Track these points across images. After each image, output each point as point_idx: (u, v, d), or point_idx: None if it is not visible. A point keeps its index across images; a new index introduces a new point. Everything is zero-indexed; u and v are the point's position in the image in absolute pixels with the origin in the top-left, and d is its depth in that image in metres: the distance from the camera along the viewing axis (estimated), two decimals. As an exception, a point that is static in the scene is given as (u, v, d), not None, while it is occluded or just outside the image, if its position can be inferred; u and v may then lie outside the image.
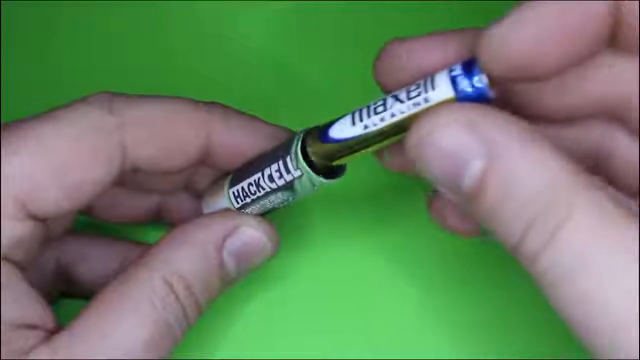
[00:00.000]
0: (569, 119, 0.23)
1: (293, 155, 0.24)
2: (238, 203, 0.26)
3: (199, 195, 0.28)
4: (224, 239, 0.25)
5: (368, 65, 0.24)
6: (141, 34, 0.35)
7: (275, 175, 0.25)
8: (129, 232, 0.30)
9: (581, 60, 0.21)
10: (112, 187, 0.25)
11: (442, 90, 0.21)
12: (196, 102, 0.26)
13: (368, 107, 0.22)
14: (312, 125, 0.25)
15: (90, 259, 0.28)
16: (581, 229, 0.19)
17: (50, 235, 0.26)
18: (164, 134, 0.25)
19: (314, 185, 0.24)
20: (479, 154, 0.20)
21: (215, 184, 0.27)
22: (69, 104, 0.25)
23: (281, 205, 0.26)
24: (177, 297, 0.24)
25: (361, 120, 0.22)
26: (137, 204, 0.29)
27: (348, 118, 0.23)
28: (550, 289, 0.19)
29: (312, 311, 0.30)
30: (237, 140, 0.26)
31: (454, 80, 0.21)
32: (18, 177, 0.23)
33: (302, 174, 0.24)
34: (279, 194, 0.25)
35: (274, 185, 0.25)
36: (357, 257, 0.31)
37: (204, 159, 0.26)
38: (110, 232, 0.30)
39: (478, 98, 0.21)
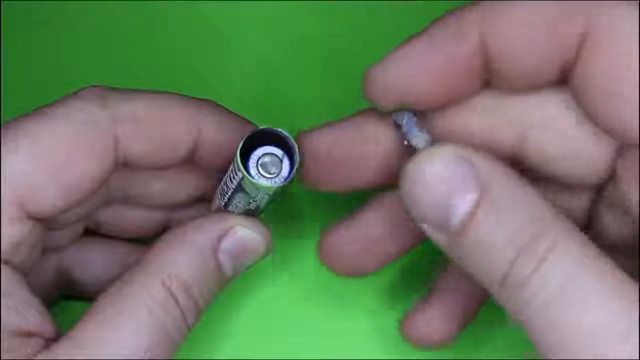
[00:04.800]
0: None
1: (236, 157, 0.24)
2: (222, 201, 0.26)
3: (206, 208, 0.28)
4: (219, 239, 0.25)
5: (363, 69, 0.24)
6: (141, 34, 0.35)
7: (232, 175, 0.24)
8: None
9: (464, 92, 0.23)
10: (106, 184, 0.25)
11: None
12: (187, 98, 0.26)
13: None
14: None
15: (91, 262, 0.28)
16: (566, 257, 0.20)
17: (56, 244, 0.27)
18: (155, 129, 0.25)
19: (257, 188, 0.24)
20: (472, 187, 0.21)
21: None
22: (61, 100, 0.25)
23: (248, 207, 0.25)
24: (176, 302, 0.24)
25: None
26: (143, 220, 0.29)
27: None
28: (534, 316, 0.20)
29: (311, 311, 0.30)
30: (226, 137, 0.26)
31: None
32: (16, 177, 0.23)
33: (243, 176, 0.24)
34: (239, 195, 0.25)
35: (232, 186, 0.25)
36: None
37: (193, 156, 0.26)
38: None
39: None
